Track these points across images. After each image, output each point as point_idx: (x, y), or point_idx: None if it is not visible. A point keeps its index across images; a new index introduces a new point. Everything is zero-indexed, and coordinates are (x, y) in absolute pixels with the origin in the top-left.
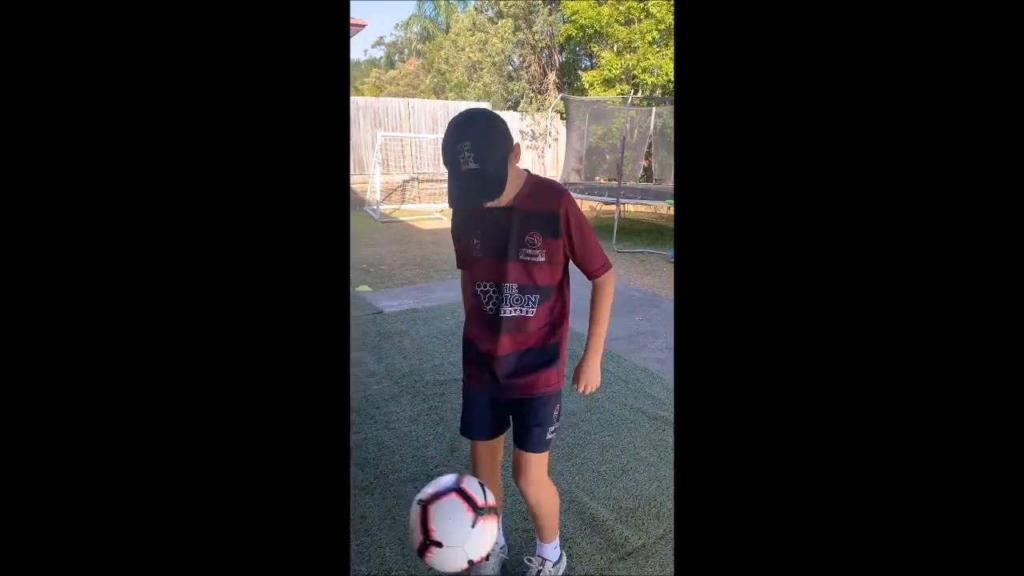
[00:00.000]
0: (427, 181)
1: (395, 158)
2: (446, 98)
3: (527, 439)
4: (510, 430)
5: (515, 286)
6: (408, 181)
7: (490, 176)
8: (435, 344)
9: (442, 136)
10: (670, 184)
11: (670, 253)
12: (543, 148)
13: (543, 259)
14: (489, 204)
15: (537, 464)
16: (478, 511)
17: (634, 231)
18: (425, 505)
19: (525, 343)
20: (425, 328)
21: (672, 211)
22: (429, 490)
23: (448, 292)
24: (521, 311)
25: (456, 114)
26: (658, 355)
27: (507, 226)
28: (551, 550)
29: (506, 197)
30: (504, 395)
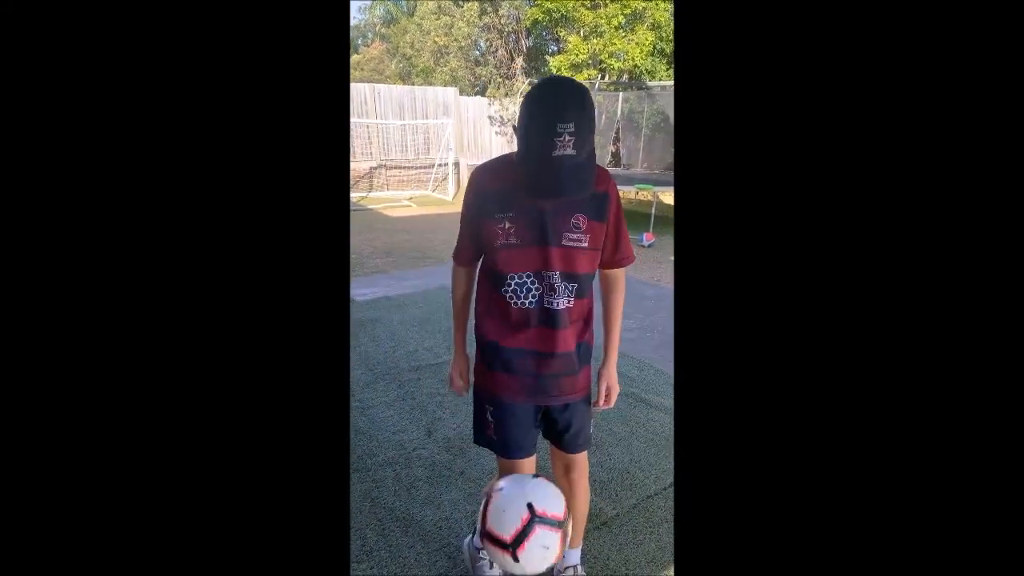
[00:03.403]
0: (395, 168)
1: (362, 145)
2: (412, 83)
3: (576, 442)
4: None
5: (557, 275)
6: (376, 168)
7: (586, 166)
8: (408, 331)
9: (524, 103)
10: (638, 169)
11: (640, 237)
12: (512, 134)
13: (586, 244)
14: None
15: (584, 461)
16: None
17: None
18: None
19: (566, 340)
20: (398, 315)
21: (640, 196)
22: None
23: (419, 280)
24: (561, 303)
25: (545, 81)
26: (627, 334)
27: (549, 208)
28: (577, 555)
29: None
30: (547, 401)
